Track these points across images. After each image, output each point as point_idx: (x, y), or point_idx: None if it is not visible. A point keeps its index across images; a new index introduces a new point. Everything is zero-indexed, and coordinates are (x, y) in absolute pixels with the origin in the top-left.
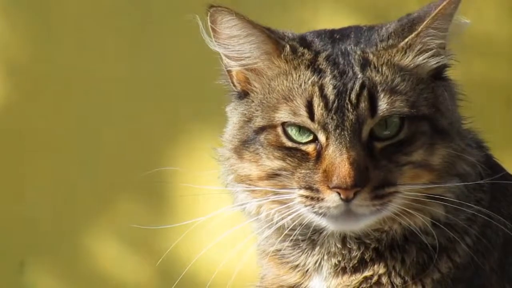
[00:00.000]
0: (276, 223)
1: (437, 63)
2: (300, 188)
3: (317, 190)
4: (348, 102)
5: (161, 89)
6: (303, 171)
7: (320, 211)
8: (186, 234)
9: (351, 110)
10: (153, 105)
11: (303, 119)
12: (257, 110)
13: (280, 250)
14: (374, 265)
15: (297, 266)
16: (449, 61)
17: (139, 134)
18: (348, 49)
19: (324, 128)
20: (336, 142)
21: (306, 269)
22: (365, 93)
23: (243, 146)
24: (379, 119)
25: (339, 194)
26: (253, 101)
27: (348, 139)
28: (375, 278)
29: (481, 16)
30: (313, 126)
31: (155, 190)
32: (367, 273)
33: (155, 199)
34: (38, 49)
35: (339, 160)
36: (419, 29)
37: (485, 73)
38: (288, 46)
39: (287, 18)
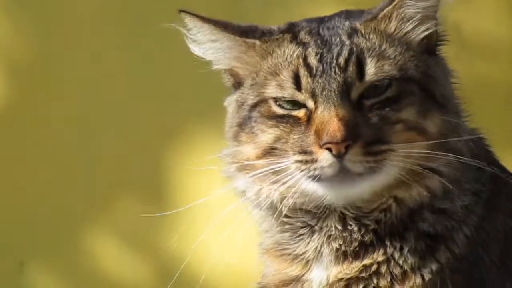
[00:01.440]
0: (275, 203)
1: (424, 31)
2: (295, 153)
3: (310, 152)
4: (336, 66)
5: (161, 89)
6: (295, 136)
7: (315, 174)
8: (185, 234)
9: (339, 73)
10: (154, 105)
11: (290, 91)
12: (248, 93)
13: (279, 242)
14: (373, 252)
15: (297, 256)
16: (440, 38)
17: (139, 133)
18: (336, 23)
19: (312, 94)
20: (324, 103)
21: (306, 259)
22: (353, 58)
23: (240, 129)
24: (368, 84)
25: (330, 151)
26: (245, 88)
27: (335, 98)
28: (374, 266)
29: (481, 16)
30: (301, 96)
31: (155, 190)
32: (366, 261)
33: (155, 199)
34: (39, 49)
35: (327, 118)
36: (396, 0)
37: (485, 73)
38: (257, 41)
39: (287, 18)
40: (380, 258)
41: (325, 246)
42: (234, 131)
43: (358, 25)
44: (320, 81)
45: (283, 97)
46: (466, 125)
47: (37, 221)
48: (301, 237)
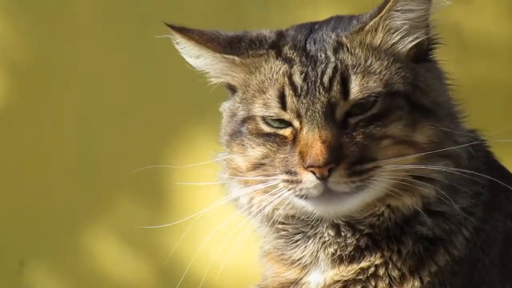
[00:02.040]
0: (268, 214)
1: (412, 41)
2: (282, 172)
3: (295, 173)
4: (320, 86)
5: (161, 89)
6: (282, 155)
7: (302, 194)
8: (186, 233)
9: (323, 93)
10: (154, 105)
11: (276, 110)
12: (239, 106)
13: (277, 247)
14: (370, 256)
15: (294, 261)
16: (432, 44)
17: (140, 133)
18: (324, 35)
19: (297, 114)
20: (308, 124)
21: (303, 264)
22: (337, 76)
23: (232, 139)
24: (353, 103)
25: (314, 173)
26: (236, 98)
27: (319, 119)
28: (372, 269)
29: (481, 16)
30: (286, 116)
31: (155, 190)
32: (363, 263)
33: (155, 198)
34: (39, 49)
35: (311, 140)
36: (382, 12)
37: (485, 73)
38: (236, 58)
39: (287, 18)
40: (377, 261)
41: (320, 251)
42: (227, 140)
43: (344, 38)
44: (304, 101)
45: (269, 116)
46: (463, 127)
47: (37, 221)
48: (297, 243)
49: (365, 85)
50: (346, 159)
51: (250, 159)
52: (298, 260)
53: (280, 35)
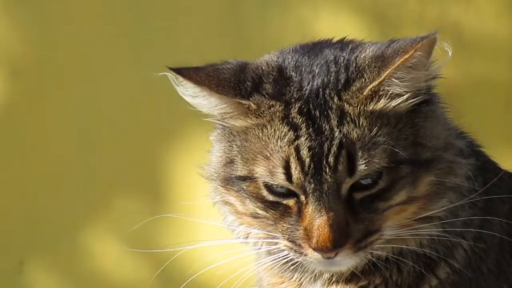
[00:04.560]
0: (265, 252)
1: (413, 102)
2: (284, 239)
3: (300, 246)
4: (326, 165)
5: (161, 89)
6: (285, 225)
7: (304, 261)
8: (185, 234)
9: (329, 173)
10: (154, 105)
11: (281, 181)
12: (237, 156)
13: (271, 268)
14: (369, 275)
15: (290, 278)
16: (434, 88)
17: (139, 133)
18: (325, 95)
19: (303, 189)
20: (315, 204)
21: (300, 282)
22: (343, 153)
23: (227, 183)
24: (358, 178)
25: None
26: (234, 142)
27: (326, 200)
28: (372, 287)
29: (481, 16)
30: (292, 186)
31: (155, 190)
32: (362, 283)
33: (155, 199)
34: (39, 49)
35: (318, 222)
36: (382, 78)
37: (485, 73)
38: (252, 104)
39: (287, 18)
40: (377, 281)
41: (317, 276)
42: (222, 179)
43: (346, 105)
44: (311, 180)
45: (274, 184)
46: (460, 147)
47: (37, 221)
48: (291, 267)
49: (371, 160)
50: (352, 238)
51: (249, 210)
52: (295, 279)
53: (280, 71)
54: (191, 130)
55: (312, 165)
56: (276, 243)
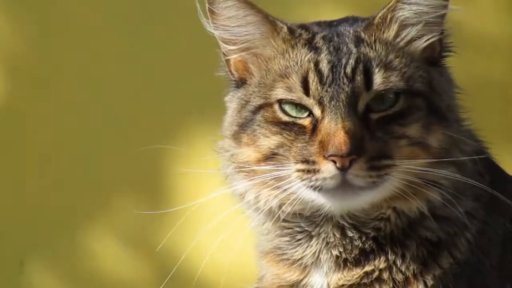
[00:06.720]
0: (274, 210)
1: (426, 40)
2: (297, 162)
3: (313, 162)
4: (344, 76)
5: (160, 89)
6: (299, 144)
7: (317, 184)
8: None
9: (347, 83)
10: (153, 105)
11: (299, 94)
12: (254, 92)
13: (278, 247)
14: (375, 259)
15: (295, 261)
16: (445, 50)
17: (139, 133)
18: (342, 30)
19: (320, 102)
20: (332, 113)
21: (304, 264)
22: (360, 67)
23: (241, 129)
24: (375, 94)
25: (335, 163)
26: (250, 85)
27: (343, 109)
28: (376, 273)
29: (481, 16)
30: (308, 101)
31: (155, 190)
32: (368, 267)
33: (155, 199)
34: (39, 49)
35: (334, 129)
36: (391, 4)
37: (485, 72)
38: (285, 27)
39: (287, 17)
40: (381, 265)
41: (323, 252)
42: (235, 131)
43: (362, 33)
44: (329, 90)
45: (291, 99)
46: (468, 134)
47: (37, 221)
48: (299, 241)
49: (388, 78)
50: (366, 152)
51: (262, 150)
52: (299, 260)
53: (304, 26)
54: (191, 130)
55: (330, 76)
56: (287, 178)
